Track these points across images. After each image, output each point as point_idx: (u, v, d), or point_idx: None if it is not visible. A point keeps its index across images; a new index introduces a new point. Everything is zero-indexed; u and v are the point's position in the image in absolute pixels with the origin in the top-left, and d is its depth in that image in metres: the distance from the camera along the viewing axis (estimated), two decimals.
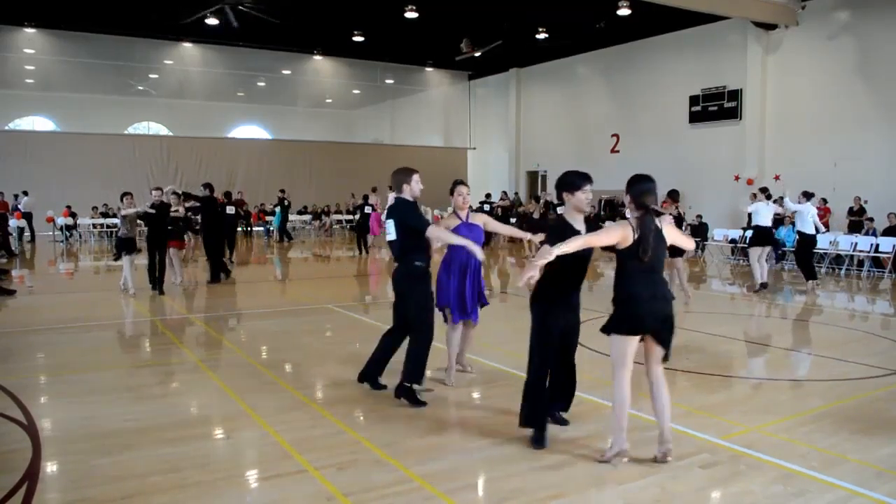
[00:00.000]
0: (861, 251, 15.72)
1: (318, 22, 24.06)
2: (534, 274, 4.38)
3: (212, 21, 22.45)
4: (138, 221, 12.45)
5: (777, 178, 20.08)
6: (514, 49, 27.02)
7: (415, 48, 28.23)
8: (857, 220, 17.37)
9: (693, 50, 22.84)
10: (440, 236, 5.67)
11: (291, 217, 27.46)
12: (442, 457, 4.60)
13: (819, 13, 19.31)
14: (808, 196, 12.62)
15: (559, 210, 4.39)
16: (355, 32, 25.57)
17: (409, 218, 5.58)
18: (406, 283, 5.71)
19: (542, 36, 24.52)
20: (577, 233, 4.61)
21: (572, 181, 4.73)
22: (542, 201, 22.04)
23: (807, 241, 12.66)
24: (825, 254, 16.25)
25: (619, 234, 4.33)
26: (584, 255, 4.62)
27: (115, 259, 12.20)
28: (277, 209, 19.81)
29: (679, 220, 11.52)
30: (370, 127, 36.92)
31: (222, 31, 23.88)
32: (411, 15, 21.76)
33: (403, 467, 4.42)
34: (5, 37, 25.05)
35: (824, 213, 18.54)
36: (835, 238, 16.37)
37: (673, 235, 4.56)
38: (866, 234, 16.39)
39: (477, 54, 26.06)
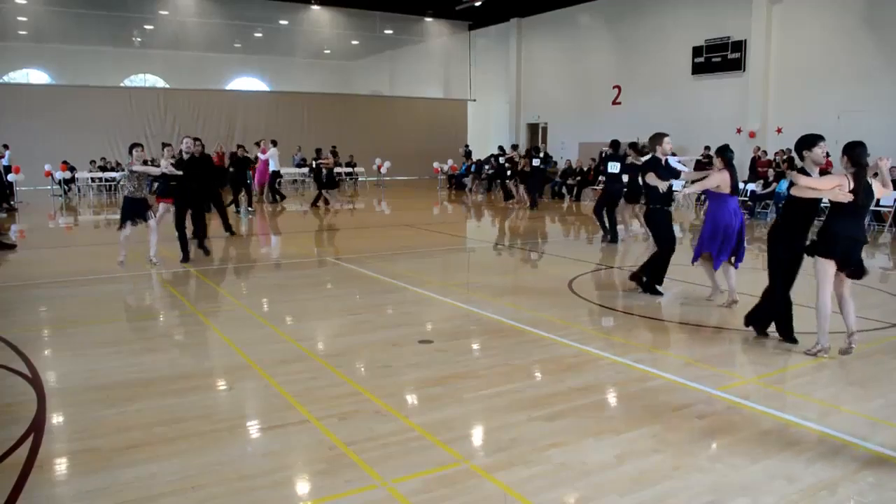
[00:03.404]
0: None
1: None
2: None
3: None
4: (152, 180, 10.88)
5: (779, 130, 19.93)
6: None
7: None
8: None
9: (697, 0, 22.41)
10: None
11: (290, 170, 27.28)
12: (442, 407, 4.66)
13: None
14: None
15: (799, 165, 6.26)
16: None
17: (661, 172, 7.77)
18: (654, 220, 8.14)
19: None
20: None
21: (811, 140, 5.96)
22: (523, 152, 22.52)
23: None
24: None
25: (836, 181, 5.63)
26: (813, 201, 5.97)
27: (119, 227, 9.79)
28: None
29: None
30: (369, 78, 36.42)
31: None
32: None
33: (404, 417, 4.48)
34: None
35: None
36: None
37: (879, 189, 5.81)
38: None
39: (477, 3, 25.57)
